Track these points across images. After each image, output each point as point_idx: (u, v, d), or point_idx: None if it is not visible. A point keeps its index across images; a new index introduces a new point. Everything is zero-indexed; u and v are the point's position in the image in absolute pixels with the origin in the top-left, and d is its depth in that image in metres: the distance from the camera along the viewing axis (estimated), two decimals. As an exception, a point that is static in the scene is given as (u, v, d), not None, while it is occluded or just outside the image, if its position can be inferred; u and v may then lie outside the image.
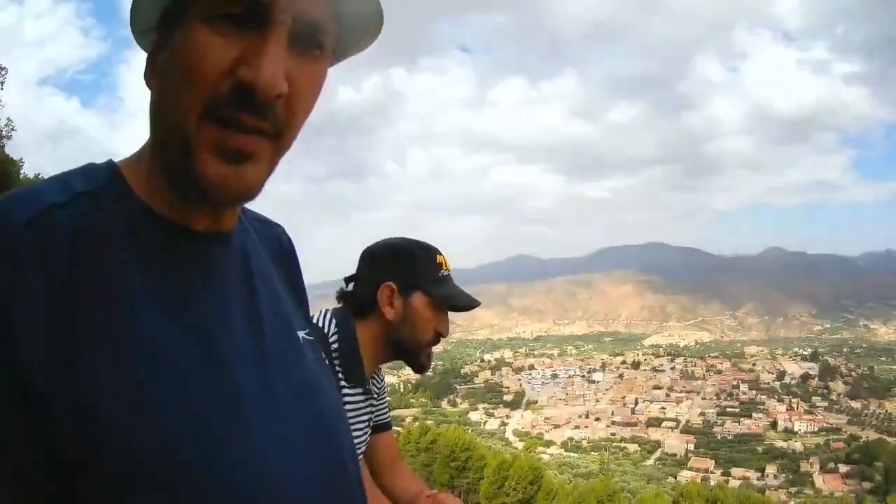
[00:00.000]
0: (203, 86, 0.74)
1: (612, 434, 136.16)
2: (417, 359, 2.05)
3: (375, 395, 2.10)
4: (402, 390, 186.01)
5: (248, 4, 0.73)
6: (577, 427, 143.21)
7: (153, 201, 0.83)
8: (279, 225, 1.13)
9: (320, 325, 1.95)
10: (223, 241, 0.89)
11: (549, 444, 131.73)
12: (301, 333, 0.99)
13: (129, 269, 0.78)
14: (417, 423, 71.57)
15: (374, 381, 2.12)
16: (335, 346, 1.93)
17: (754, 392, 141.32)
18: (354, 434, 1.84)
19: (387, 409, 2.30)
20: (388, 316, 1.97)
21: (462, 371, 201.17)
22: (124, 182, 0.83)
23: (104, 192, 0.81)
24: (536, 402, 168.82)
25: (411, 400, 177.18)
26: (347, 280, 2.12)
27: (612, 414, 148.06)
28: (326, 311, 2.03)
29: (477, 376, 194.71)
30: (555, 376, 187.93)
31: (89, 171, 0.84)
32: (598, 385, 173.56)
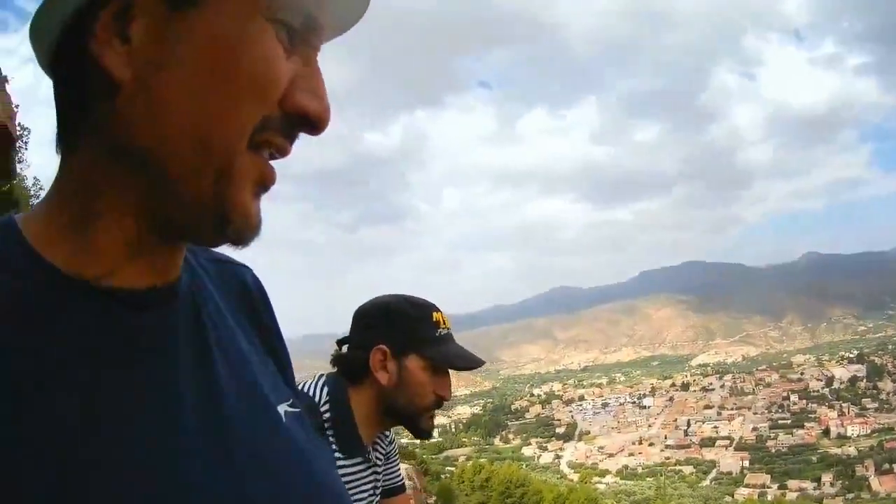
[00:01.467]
0: (267, 103, 0.61)
1: (667, 458, 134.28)
2: (417, 425, 1.91)
3: (378, 463, 1.97)
4: (453, 430, 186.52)
5: (307, 23, 0.64)
6: (631, 454, 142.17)
7: (77, 260, 0.63)
8: (243, 265, 0.92)
9: (311, 392, 1.84)
10: (167, 299, 0.69)
11: (604, 473, 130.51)
12: (283, 407, 0.79)
13: (33, 373, 0.58)
14: (471, 462, 65.89)
15: (379, 447, 2.00)
16: (327, 415, 1.80)
17: (804, 401, 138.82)
18: None
19: (399, 472, 2.16)
20: (382, 381, 1.84)
21: (512, 407, 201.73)
22: (25, 248, 0.63)
23: None
24: (589, 432, 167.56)
25: (463, 439, 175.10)
26: (340, 342, 2.00)
27: (665, 438, 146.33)
28: (320, 376, 1.91)
29: (528, 411, 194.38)
30: (605, 405, 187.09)
31: None
32: (650, 410, 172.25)
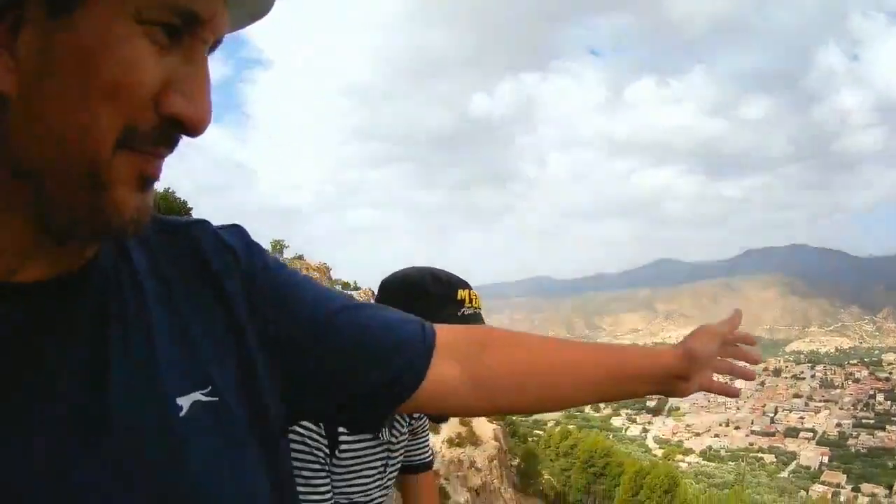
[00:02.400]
0: (130, 108, 0.59)
1: (751, 444, 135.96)
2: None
3: (393, 441, 1.87)
4: None
5: (182, 19, 0.61)
6: (716, 436, 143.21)
7: None
8: (201, 221, 0.87)
9: None
10: (71, 286, 0.69)
11: (688, 452, 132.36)
12: (192, 395, 0.73)
13: None
14: (559, 428, 68.16)
15: (397, 425, 1.89)
16: None
17: (889, 403, 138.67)
18: (363, 482, 1.78)
19: (426, 449, 2.09)
20: None
21: None
22: None
23: None
24: (678, 408, 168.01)
25: None
26: None
27: (752, 423, 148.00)
28: None
29: None
30: None
31: None
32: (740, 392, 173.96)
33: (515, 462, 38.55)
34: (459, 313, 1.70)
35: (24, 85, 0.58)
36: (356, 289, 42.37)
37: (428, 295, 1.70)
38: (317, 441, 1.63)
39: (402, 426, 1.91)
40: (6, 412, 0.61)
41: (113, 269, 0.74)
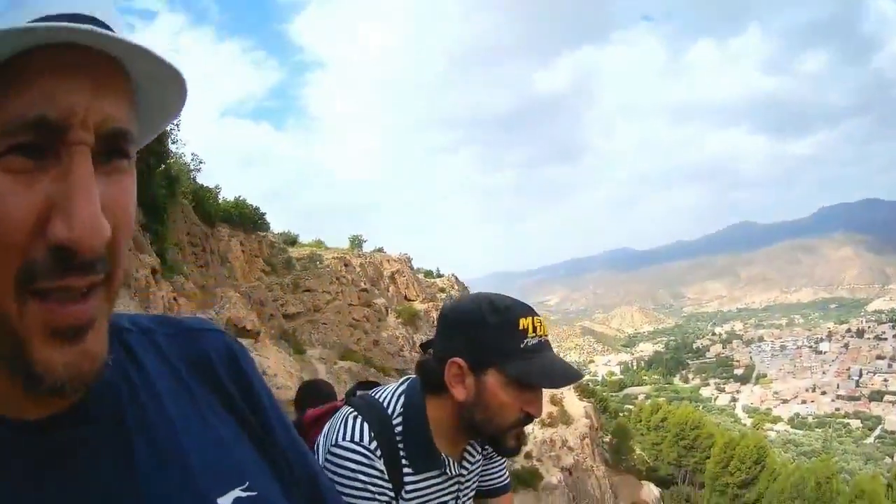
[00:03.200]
0: (11, 253, 0.55)
1: (837, 409, 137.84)
2: (500, 443, 1.66)
3: (464, 473, 1.75)
4: (634, 368, 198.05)
5: (35, 132, 0.56)
6: (803, 402, 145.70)
7: None
8: (214, 331, 0.88)
9: (386, 402, 1.66)
10: (85, 413, 0.68)
11: (776, 420, 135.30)
12: (233, 493, 0.74)
13: None
14: (649, 401, 69.45)
15: (468, 457, 1.78)
16: (399, 428, 1.62)
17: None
18: None
19: (503, 472, 1.98)
20: (459, 397, 1.59)
21: (694, 346, 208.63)
22: None
23: None
24: (766, 375, 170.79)
25: (644, 377, 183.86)
26: (424, 346, 1.77)
27: (837, 387, 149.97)
28: (403, 381, 1.74)
29: (709, 350, 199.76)
30: (783, 347, 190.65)
31: None
32: (825, 356, 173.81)
33: (607, 438, 40.43)
34: (522, 345, 1.55)
35: None
36: (439, 276, 47.63)
37: (487, 327, 1.57)
38: (380, 486, 1.53)
39: (474, 455, 1.82)
40: None
41: (123, 378, 0.73)
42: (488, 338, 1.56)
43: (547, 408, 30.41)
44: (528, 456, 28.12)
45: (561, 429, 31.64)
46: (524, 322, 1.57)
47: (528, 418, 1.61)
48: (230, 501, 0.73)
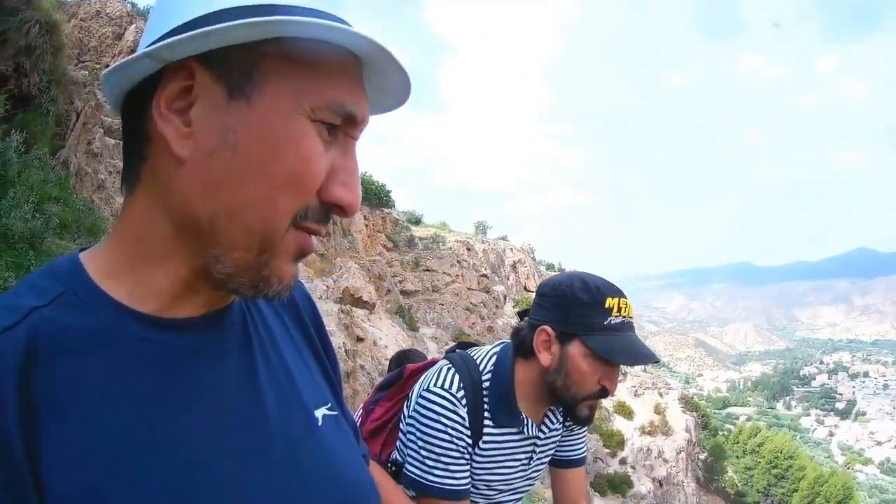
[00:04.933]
0: (305, 196, 0.70)
1: None
2: (573, 411, 1.76)
3: (541, 437, 1.88)
4: (740, 387, 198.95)
5: (342, 119, 0.71)
6: None
7: (132, 296, 0.74)
8: (298, 281, 0.97)
9: (480, 361, 1.82)
10: (219, 320, 0.82)
11: (867, 461, 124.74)
12: (320, 410, 0.90)
13: (95, 385, 0.69)
14: (749, 424, 65.67)
15: (548, 421, 1.89)
16: (486, 384, 1.77)
17: None
18: (504, 471, 1.82)
19: (581, 445, 2.07)
20: (544, 362, 1.73)
21: (801, 372, 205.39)
22: (90, 285, 0.73)
23: (63, 300, 0.71)
24: (865, 413, 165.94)
25: (748, 398, 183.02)
26: (521, 314, 1.91)
27: None
28: (498, 344, 1.89)
29: (814, 379, 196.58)
30: (885, 386, 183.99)
31: (47, 276, 0.74)
32: None
33: (703, 456, 39.01)
34: (606, 322, 1.66)
35: (199, 153, 0.69)
36: (560, 270, 43.33)
37: (577, 302, 1.69)
38: (459, 432, 1.69)
39: (553, 423, 1.91)
40: (187, 425, 0.73)
41: (245, 309, 0.88)
42: (576, 311, 1.69)
43: (649, 416, 31.56)
44: (623, 462, 28.74)
45: (659, 439, 31.03)
46: (611, 302, 1.68)
47: (604, 392, 1.72)
48: (321, 415, 0.89)
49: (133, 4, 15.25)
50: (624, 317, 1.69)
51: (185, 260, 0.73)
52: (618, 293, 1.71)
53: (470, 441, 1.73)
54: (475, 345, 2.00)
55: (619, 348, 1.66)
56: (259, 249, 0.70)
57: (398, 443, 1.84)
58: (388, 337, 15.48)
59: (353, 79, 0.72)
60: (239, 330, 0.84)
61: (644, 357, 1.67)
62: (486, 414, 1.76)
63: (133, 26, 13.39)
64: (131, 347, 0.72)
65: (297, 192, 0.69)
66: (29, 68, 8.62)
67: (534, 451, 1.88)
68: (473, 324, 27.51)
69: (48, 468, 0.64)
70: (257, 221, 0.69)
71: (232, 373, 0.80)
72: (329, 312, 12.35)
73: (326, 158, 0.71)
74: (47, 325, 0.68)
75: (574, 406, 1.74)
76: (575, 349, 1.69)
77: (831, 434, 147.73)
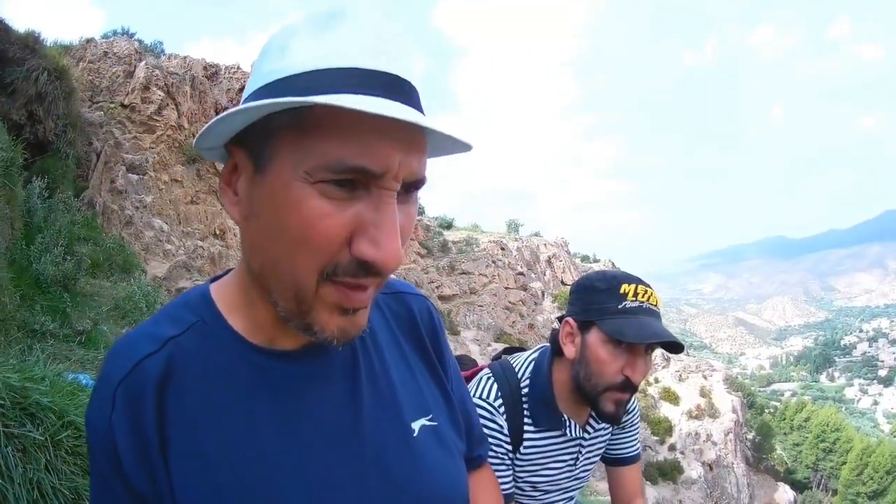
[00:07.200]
0: (322, 254, 0.71)
1: None
2: (598, 405, 1.69)
3: (585, 437, 1.85)
4: (783, 362, 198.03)
5: (354, 175, 0.69)
6: None
7: (246, 328, 0.84)
8: (418, 296, 1.08)
9: (518, 367, 1.83)
10: (322, 350, 0.87)
11: None
12: (419, 422, 0.94)
13: (216, 405, 0.79)
14: (794, 399, 66.54)
15: (592, 421, 1.85)
16: (525, 390, 1.77)
17: None
18: (549, 472, 1.81)
19: (633, 442, 2.02)
20: (569, 355, 1.72)
21: (842, 342, 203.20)
22: (217, 316, 0.84)
23: (195, 330, 0.82)
24: None
25: (792, 373, 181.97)
26: (560, 318, 1.84)
27: None
28: (539, 349, 1.87)
29: (855, 348, 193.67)
30: None
31: (182, 307, 0.86)
32: None
33: (750, 435, 38.48)
34: (621, 306, 1.65)
35: (244, 217, 0.76)
36: (595, 261, 43.54)
37: (594, 291, 1.70)
38: (497, 438, 1.71)
39: (599, 422, 1.86)
40: (293, 441, 0.81)
41: None
42: (593, 299, 1.70)
43: (695, 399, 31.01)
44: (672, 448, 28.47)
45: (707, 422, 30.54)
46: (626, 287, 1.67)
47: (628, 384, 1.66)
48: (419, 426, 0.92)
49: (140, 41, 15.30)
50: (641, 302, 1.66)
51: (266, 303, 0.81)
52: (635, 280, 1.70)
53: (509, 447, 1.74)
54: (519, 349, 2.02)
55: (630, 329, 1.61)
56: (297, 301, 0.74)
57: None
58: (429, 344, 15.71)
59: (364, 132, 0.68)
60: (347, 355, 0.89)
61: (655, 335, 1.60)
62: (526, 419, 1.76)
63: (143, 63, 13.35)
64: (247, 373, 0.81)
65: (312, 252, 0.70)
66: (42, 115, 8.57)
67: (579, 452, 1.86)
68: (514, 322, 27.37)
69: (177, 475, 0.75)
70: (287, 276, 0.73)
71: (335, 396, 0.86)
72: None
73: (345, 215, 0.70)
74: (181, 353, 0.80)
75: (597, 399, 1.69)
76: (593, 336, 1.68)
77: (875, 403, 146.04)
